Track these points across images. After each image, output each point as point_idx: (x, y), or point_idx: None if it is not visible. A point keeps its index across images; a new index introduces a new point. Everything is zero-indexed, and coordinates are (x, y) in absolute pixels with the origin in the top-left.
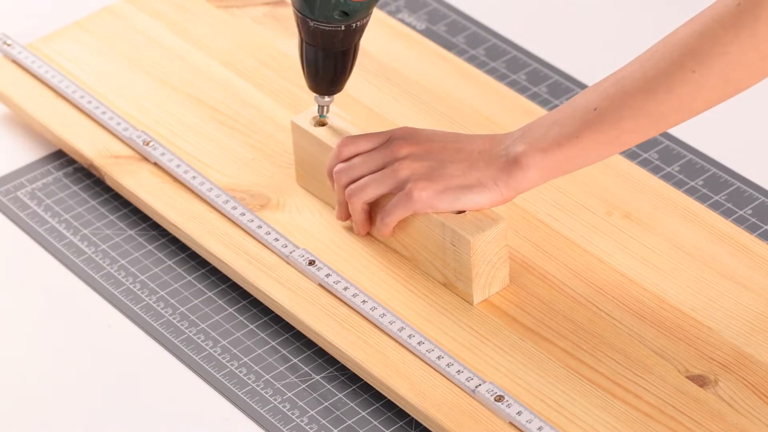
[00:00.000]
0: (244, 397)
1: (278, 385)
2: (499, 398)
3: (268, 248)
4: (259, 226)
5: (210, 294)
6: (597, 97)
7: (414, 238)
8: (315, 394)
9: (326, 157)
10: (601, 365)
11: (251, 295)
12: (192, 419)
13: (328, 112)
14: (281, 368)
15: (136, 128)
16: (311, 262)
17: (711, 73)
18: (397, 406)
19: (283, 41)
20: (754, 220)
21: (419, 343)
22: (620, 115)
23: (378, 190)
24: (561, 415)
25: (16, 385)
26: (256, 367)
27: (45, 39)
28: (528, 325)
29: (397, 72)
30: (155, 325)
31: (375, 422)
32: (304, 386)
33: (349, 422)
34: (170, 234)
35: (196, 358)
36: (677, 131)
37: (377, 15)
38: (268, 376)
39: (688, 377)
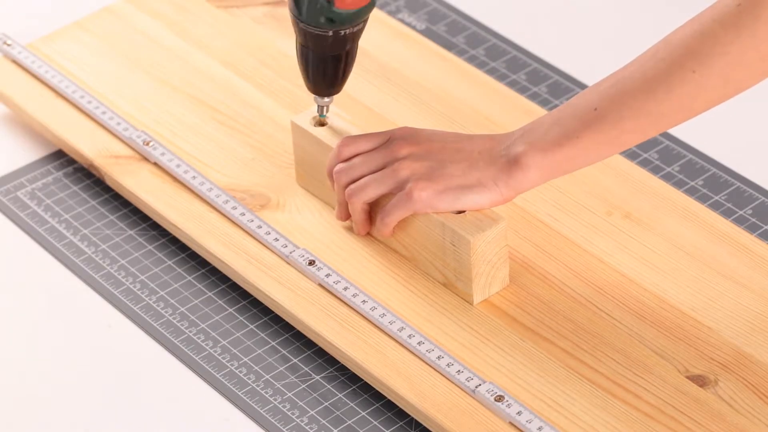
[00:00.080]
0: (244, 397)
1: (278, 385)
2: (499, 398)
3: (268, 248)
4: (259, 226)
5: (210, 294)
6: (597, 97)
7: (414, 238)
8: (315, 394)
9: (326, 157)
10: (601, 365)
11: (251, 295)
12: (192, 419)
13: (327, 112)
14: (281, 368)
15: (136, 128)
16: (311, 262)
17: (711, 73)
18: (397, 406)
19: (283, 41)
20: (754, 220)
21: (419, 343)
22: (620, 115)
23: (378, 190)
24: (561, 415)
25: (16, 385)
26: (256, 367)
27: (45, 39)
28: (528, 325)
29: (397, 72)
30: (155, 325)
31: (375, 422)
32: (304, 386)
33: (349, 422)
34: (170, 234)
35: (196, 358)
36: (677, 131)
37: (377, 15)
38: (268, 376)
39: (688, 377)
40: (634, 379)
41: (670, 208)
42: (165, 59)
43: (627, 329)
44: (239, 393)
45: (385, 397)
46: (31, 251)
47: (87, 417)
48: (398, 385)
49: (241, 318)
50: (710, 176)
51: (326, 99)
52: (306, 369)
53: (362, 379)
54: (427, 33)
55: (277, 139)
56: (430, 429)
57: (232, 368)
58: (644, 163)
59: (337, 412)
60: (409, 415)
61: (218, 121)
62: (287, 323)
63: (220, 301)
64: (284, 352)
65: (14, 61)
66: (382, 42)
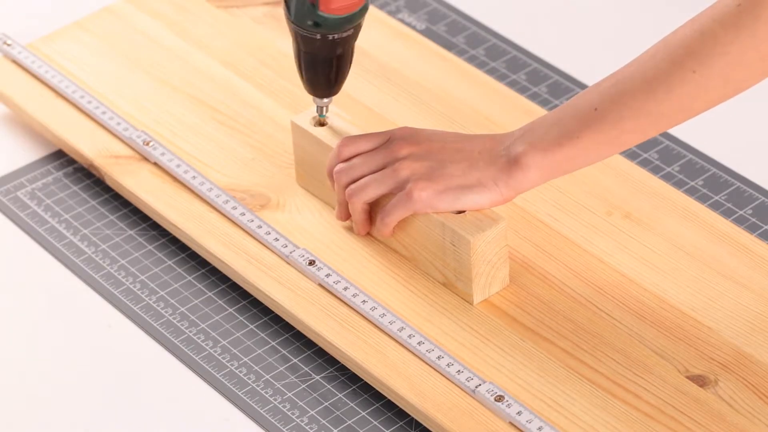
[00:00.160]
0: (244, 397)
1: (278, 385)
2: (499, 398)
3: (268, 248)
4: (259, 226)
5: (210, 294)
6: (597, 97)
7: (414, 238)
8: (315, 394)
9: (326, 157)
10: (601, 365)
11: (251, 295)
12: (192, 419)
13: (327, 112)
14: (281, 368)
15: (136, 128)
16: (311, 262)
17: (711, 73)
18: (397, 406)
19: (283, 41)
20: (754, 220)
21: (419, 343)
22: (620, 115)
23: (378, 190)
24: (561, 415)
25: (16, 385)
26: (256, 367)
27: (45, 39)
28: (528, 325)
29: (397, 72)
30: (155, 325)
31: (375, 422)
32: (304, 386)
33: (349, 422)
34: (170, 234)
35: (196, 358)
36: (677, 131)
37: (377, 15)
38: (268, 376)
39: (688, 377)
40: (634, 379)
41: (670, 208)
42: (165, 59)
43: (627, 329)
44: (239, 393)
45: (385, 397)
46: (31, 251)
47: (87, 417)
48: (398, 385)
49: (241, 318)
50: (710, 176)
51: (324, 100)
52: (306, 369)
53: (362, 379)
54: (427, 33)
55: (277, 139)
56: (430, 429)
57: (232, 368)
58: (644, 163)
59: (337, 412)
60: (409, 415)
61: (218, 121)
62: (287, 323)
63: (220, 301)
64: (284, 352)
65: (14, 61)
66: (382, 42)
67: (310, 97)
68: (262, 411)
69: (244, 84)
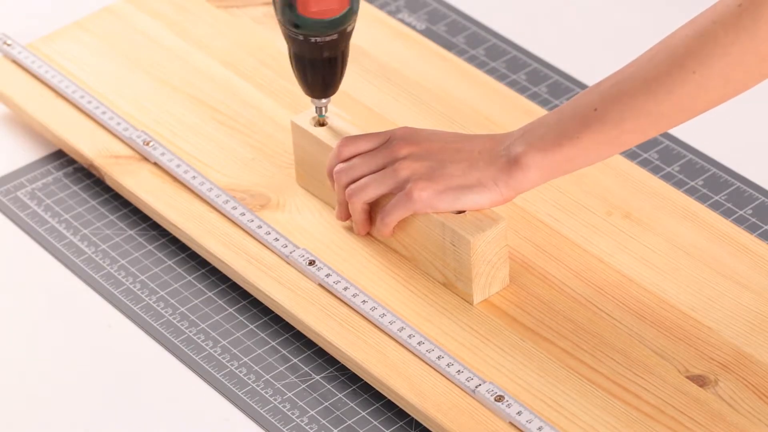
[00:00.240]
0: (244, 397)
1: (278, 385)
2: (499, 398)
3: (268, 248)
4: (259, 226)
5: (210, 294)
6: (597, 97)
7: (414, 238)
8: (315, 394)
9: (326, 157)
10: (601, 365)
11: (251, 295)
12: (192, 419)
13: (326, 112)
14: (281, 368)
15: (136, 128)
16: (311, 262)
17: (711, 74)
18: (397, 406)
19: (282, 41)
20: (754, 220)
21: (419, 343)
22: (621, 116)
23: (378, 190)
24: (561, 415)
25: (16, 385)
26: (256, 367)
27: (45, 39)
28: (528, 325)
29: (397, 72)
30: (155, 325)
31: (375, 422)
32: (304, 386)
33: (349, 422)
34: (170, 234)
35: (196, 358)
36: (677, 131)
37: (377, 15)
38: (268, 376)
39: (688, 377)
40: (634, 379)
41: (670, 208)
42: (165, 59)
43: (627, 329)
44: (239, 393)
45: (385, 397)
46: (31, 251)
47: (87, 417)
48: (398, 385)
49: (241, 318)
50: (710, 176)
51: (322, 100)
52: (306, 369)
53: (362, 379)
54: (427, 33)
55: (277, 139)
56: (430, 429)
57: (232, 368)
58: (644, 163)
59: (337, 412)
60: (409, 415)
61: (218, 121)
62: (287, 323)
63: (220, 301)
64: (284, 352)
65: (14, 61)
66: (382, 42)
67: (311, 102)
68: (262, 411)
69: (244, 84)
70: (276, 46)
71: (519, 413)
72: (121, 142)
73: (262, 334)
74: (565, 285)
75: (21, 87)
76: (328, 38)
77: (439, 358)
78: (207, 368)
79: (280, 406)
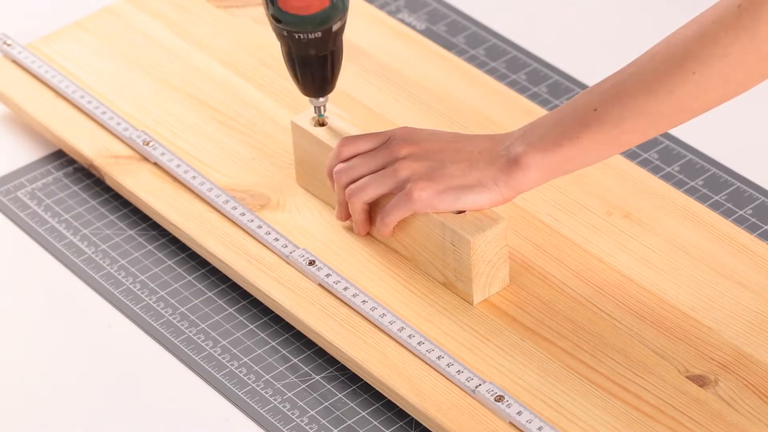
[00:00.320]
0: (244, 397)
1: (278, 385)
2: (499, 398)
3: (268, 248)
4: (259, 226)
5: (210, 294)
6: (597, 97)
7: (414, 238)
8: (315, 394)
9: (326, 157)
10: (601, 365)
11: (251, 295)
12: (192, 419)
13: (325, 111)
14: (281, 368)
15: (136, 128)
16: (311, 262)
17: (711, 74)
18: (397, 406)
19: None
20: (754, 220)
21: (419, 343)
22: (620, 116)
23: (378, 190)
24: (561, 415)
25: (16, 385)
26: (256, 367)
27: (45, 39)
28: (528, 325)
29: (397, 72)
30: (155, 325)
31: (375, 422)
32: (304, 386)
33: (349, 422)
34: (170, 234)
35: (196, 358)
36: (677, 131)
37: (377, 15)
38: (268, 376)
39: (688, 377)
40: (634, 379)
41: (670, 208)
42: (165, 59)
43: (627, 329)
44: (239, 393)
45: (385, 397)
46: (31, 251)
47: (87, 417)
48: (398, 385)
49: (241, 318)
50: (710, 176)
51: (320, 99)
52: (306, 369)
53: (362, 379)
54: (427, 33)
55: (277, 139)
56: (430, 429)
57: (232, 368)
58: (644, 163)
59: (337, 412)
60: (409, 415)
61: (218, 121)
62: (287, 323)
63: (220, 301)
64: (284, 352)
65: (14, 61)
66: (382, 42)
67: (309, 102)
68: (262, 411)
69: (244, 84)
70: (276, 46)
71: (519, 413)
72: (121, 142)
73: (262, 334)
74: (565, 285)
75: (21, 87)
76: (311, 35)
77: (439, 358)
78: (207, 368)
79: (280, 406)
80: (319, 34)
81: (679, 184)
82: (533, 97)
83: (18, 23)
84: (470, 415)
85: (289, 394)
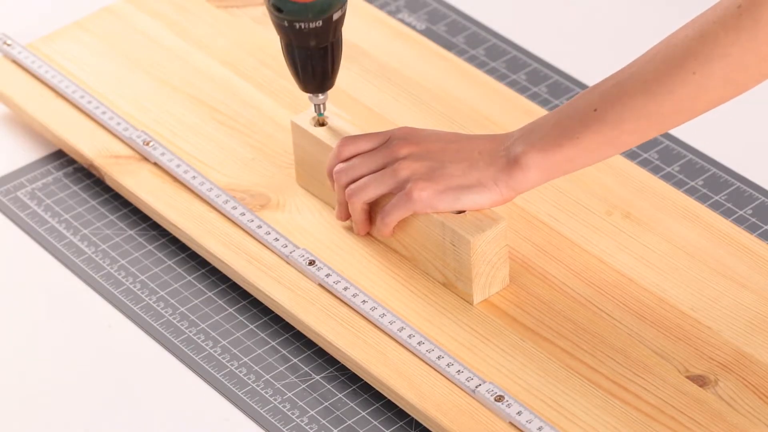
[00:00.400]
0: (244, 397)
1: (278, 385)
2: (499, 398)
3: (268, 248)
4: (259, 226)
5: (210, 294)
6: (597, 98)
7: (414, 238)
8: (315, 394)
9: (326, 157)
10: (601, 365)
11: (251, 295)
12: (192, 419)
13: (325, 110)
14: (281, 368)
15: (136, 128)
16: (311, 262)
17: (712, 75)
18: (397, 406)
19: None
20: (754, 220)
21: (419, 343)
22: (620, 116)
23: (378, 190)
24: (561, 415)
25: (16, 385)
26: (256, 367)
27: (45, 39)
28: (528, 325)
29: (397, 72)
30: (155, 325)
31: (375, 422)
32: (304, 386)
33: (349, 422)
34: (170, 234)
35: (196, 358)
36: (677, 131)
37: (377, 15)
38: (268, 376)
39: (688, 377)
40: (634, 379)
41: (670, 208)
42: (165, 59)
43: (627, 329)
44: (239, 393)
45: (385, 397)
46: (31, 251)
47: (87, 417)
48: (398, 385)
49: (241, 318)
50: (710, 176)
51: (320, 96)
52: (306, 369)
53: (362, 379)
54: (427, 33)
55: (277, 139)
56: (430, 429)
57: (232, 368)
58: (644, 163)
59: (337, 412)
60: (409, 415)
61: (218, 121)
62: (287, 323)
63: (220, 301)
64: (284, 352)
65: (14, 61)
66: (382, 42)
67: (309, 100)
68: (262, 411)
69: (244, 84)
70: (276, 46)
71: (519, 413)
72: (121, 142)
73: (262, 334)
74: (565, 285)
75: (21, 87)
76: (312, 25)
77: (439, 358)
78: (207, 368)
79: (280, 406)
80: (319, 23)
81: (679, 184)
82: (533, 97)
83: (18, 23)
84: (470, 415)
85: (289, 394)
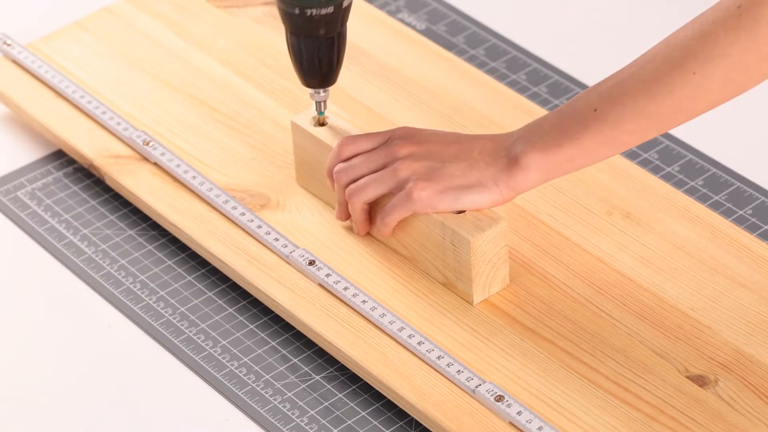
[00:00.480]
0: (244, 397)
1: (278, 385)
2: (499, 398)
3: (268, 248)
4: (259, 226)
5: (210, 294)
6: (597, 98)
7: (414, 238)
8: (315, 394)
9: (326, 157)
10: (601, 365)
11: (251, 295)
12: (192, 419)
13: (325, 108)
14: (281, 368)
15: (136, 128)
16: (311, 262)
17: (712, 75)
18: (397, 406)
19: (283, 41)
20: (754, 220)
21: (419, 343)
22: (620, 117)
23: (378, 190)
24: (561, 415)
25: (16, 385)
26: (256, 367)
27: (45, 39)
28: (528, 325)
29: (397, 72)
30: (155, 325)
31: (375, 422)
32: (304, 386)
33: (349, 422)
34: (170, 234)
35: (196, 358)
36: (677, 131)
37: (377, 15)
38: (268, 376)
39: (688, 377)
40: (634, 379)
41: (670, 208)
42: (165, 59)
43: (627, 329)
44: (239, 393)
45: (385, 397)
46: (31, 251)
47: (87, 417)
48: (398, 385)
49: (241, 318)
50: (710, 176)
51: (322, 93)
52: (306, 369)
53: (362, 379)
54: (427, 33)
55: (277, 139)
56: (430, 429)
57: (232, 368)
58: (644, 163)
59: (337, 412)
60: (409, 415)
61: (218, 121)
62: (287, 323)
63: (220, 301)
64: (284, 352)
65: (14, 61)
66: (382, 42)
67: (310, 97)
68: (262, 411)
69: (244, 84)
70: (276, 46)
71: (519, 413)
72: (121, 142)
73: (262, 334)
74: (565, 285)
75: (21, 87)
76: (324, 11)
77: (439, 358)
78: (207, 368)
79: (280, 406)
80: (330, 9)
81: (679, 184)
82: (533, 97)
83: (18, 23)
84: (470, 415)
85: (289, 394)
